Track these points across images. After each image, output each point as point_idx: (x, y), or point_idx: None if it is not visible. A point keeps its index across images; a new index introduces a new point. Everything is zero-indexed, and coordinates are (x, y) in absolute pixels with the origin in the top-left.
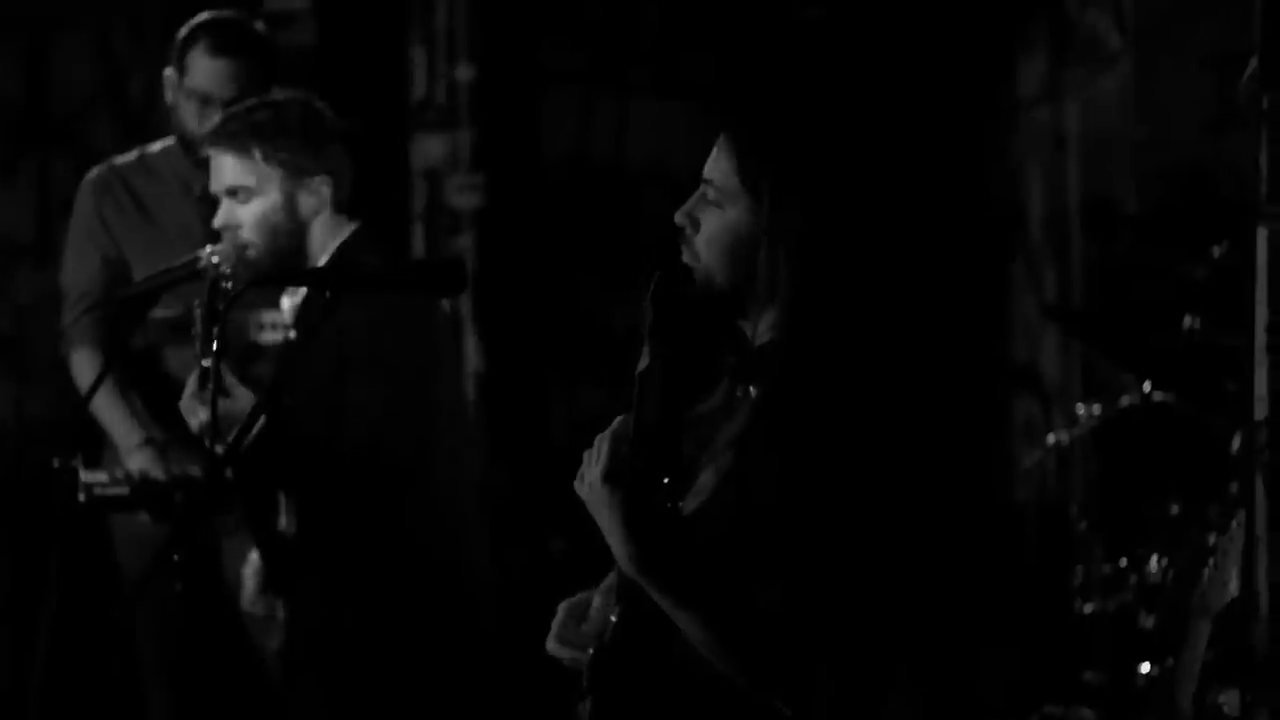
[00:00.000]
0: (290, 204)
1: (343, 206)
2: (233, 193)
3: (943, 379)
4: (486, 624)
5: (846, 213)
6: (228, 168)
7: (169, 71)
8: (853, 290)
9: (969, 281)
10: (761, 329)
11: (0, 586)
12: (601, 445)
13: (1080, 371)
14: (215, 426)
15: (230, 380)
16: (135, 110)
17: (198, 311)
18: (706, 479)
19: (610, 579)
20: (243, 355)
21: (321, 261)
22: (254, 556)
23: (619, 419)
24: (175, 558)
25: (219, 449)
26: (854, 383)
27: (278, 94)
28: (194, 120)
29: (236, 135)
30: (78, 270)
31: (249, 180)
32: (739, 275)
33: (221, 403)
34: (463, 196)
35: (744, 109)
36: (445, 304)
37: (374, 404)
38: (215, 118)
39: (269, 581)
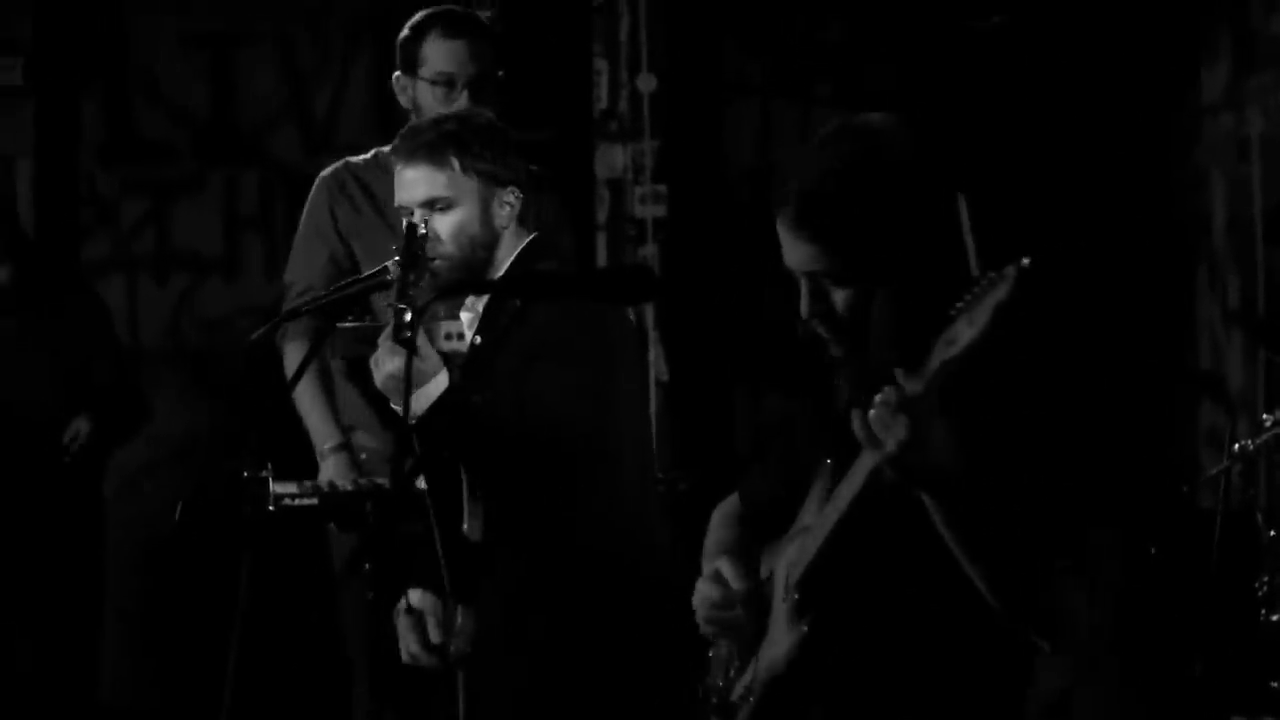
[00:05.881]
0: (486, 214)
1: (525, 218)
2: (429, 204)
3: (1128, 384)
4: (671, 618)
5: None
6: (423, 180)
7: (398, 75)
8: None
9: (1153, 288)
10: None
11: (194, 595)
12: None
13: (1265, 379)
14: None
15: (423, 341)
16: (320, 122)
17: (395, 260)
18: None
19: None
20: None
21: (501, 271)
22: (409, 601)
23: None
24: (366, 567)
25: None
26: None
27: (461, 109)
28: (440, 107)
29: (434, 146)
30: (304, 266)
31: (447, 191)
32: None
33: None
34: (646, 206)
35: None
36: (629, 312)
37: (554, 391)
38: (460, 101)
39: (453, 590)
